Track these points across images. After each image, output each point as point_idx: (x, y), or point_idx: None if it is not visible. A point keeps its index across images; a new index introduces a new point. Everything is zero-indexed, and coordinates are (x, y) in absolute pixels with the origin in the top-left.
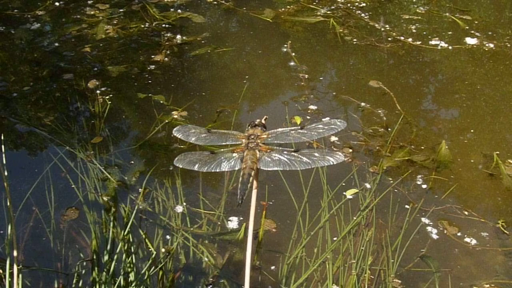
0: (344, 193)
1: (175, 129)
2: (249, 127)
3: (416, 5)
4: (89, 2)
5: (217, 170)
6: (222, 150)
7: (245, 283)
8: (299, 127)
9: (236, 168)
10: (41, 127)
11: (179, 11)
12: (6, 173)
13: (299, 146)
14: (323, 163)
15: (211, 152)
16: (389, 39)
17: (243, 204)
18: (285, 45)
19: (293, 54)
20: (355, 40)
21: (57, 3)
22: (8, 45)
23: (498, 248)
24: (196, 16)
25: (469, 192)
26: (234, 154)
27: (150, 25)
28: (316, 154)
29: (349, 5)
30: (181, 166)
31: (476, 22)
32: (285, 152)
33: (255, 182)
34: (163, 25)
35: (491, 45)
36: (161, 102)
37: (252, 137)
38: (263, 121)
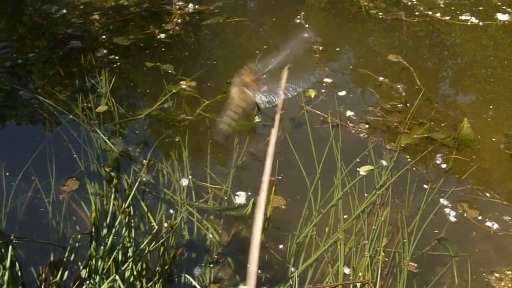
0: (358, 169)
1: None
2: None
3: None
4: None
5: None
6: None
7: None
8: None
9: None
10: (46, 95)
11: None
12: None
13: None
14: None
15: None
16: (416, 13)
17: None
18: (298, 16)
19: (307, 25)
20: (380, 13)
21: None
22: (15, 11)
23: None
24: None
25: (491, 173)
26: None
27: None
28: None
29: None
30: None
31: None
32: None
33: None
34: None
35: None
36: (170, 71)
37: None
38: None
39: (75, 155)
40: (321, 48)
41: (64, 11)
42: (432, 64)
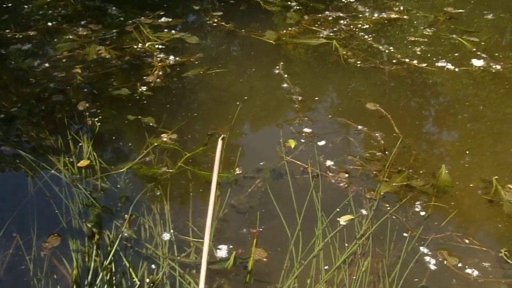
0: (338, 219)
1: None
2: None
3: (422, 26)
4: (82, 22)
5: None
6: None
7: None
8: None
9: None
10: (27, 149)
11: (173, 32)
12: None
13: None
14: None
15: None
16: (394, 61)
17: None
18: (277, 67)
19: (286, 75)
20: (358, 62)
21: (49, 23)
22: None
23: (501, 279)
24: (190, 37)
25: (470, 219)
26: None
27: (143, 46)
28: None
29: (352, 27)
30: None
31: (483, 43)
32: None
33: None
34: (156, 46)
35: (498, 67)
36: (151, 124)
37: None
38: None
39: (56, 211)
40: (300, 98)
41: (47, 64)
42: (413, 105)
